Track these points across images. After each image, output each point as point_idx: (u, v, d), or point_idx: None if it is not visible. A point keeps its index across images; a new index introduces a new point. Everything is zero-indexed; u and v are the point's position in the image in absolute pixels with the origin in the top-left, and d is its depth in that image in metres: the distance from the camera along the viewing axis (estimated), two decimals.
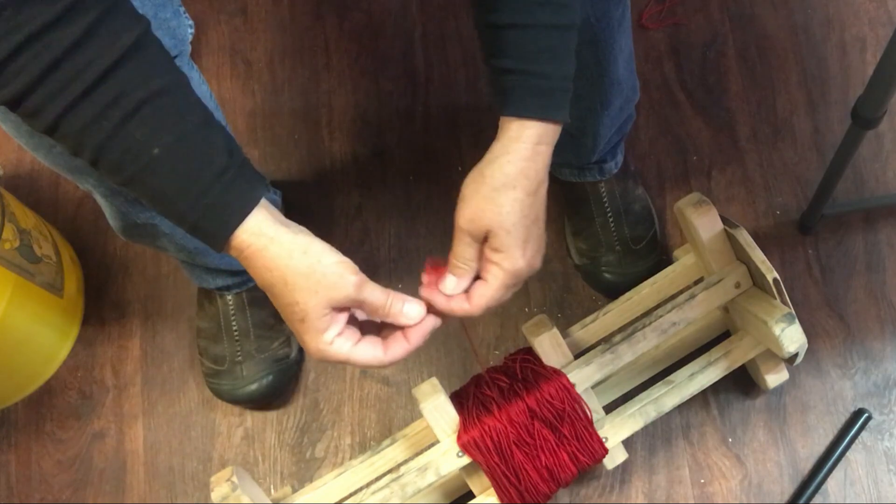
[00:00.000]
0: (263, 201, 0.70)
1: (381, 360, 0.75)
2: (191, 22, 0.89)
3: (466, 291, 0.79)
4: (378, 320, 0.76)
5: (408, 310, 0.75)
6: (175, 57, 0.86)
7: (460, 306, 0.78)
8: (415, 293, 0.82)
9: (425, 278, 0.80)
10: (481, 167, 0.77)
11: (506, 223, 0.75)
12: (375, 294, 0.73)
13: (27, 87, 0.62)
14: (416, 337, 0.76)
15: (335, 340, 0.72)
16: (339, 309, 0.72)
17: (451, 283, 0.78)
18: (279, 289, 0.71)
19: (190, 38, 0.89)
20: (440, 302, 0.78)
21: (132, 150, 0.65)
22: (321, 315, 0.71)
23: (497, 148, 0.76)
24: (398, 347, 0.76)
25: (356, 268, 0.72)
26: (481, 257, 0.78)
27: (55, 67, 0.62)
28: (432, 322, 0.77)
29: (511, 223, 0.75)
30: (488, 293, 0.77)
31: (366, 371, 1.26)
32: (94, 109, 0.64)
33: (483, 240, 0.77)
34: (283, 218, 0.72)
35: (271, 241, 0.70)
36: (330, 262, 0.71)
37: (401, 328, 0.76)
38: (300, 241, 0.71)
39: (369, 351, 0.74)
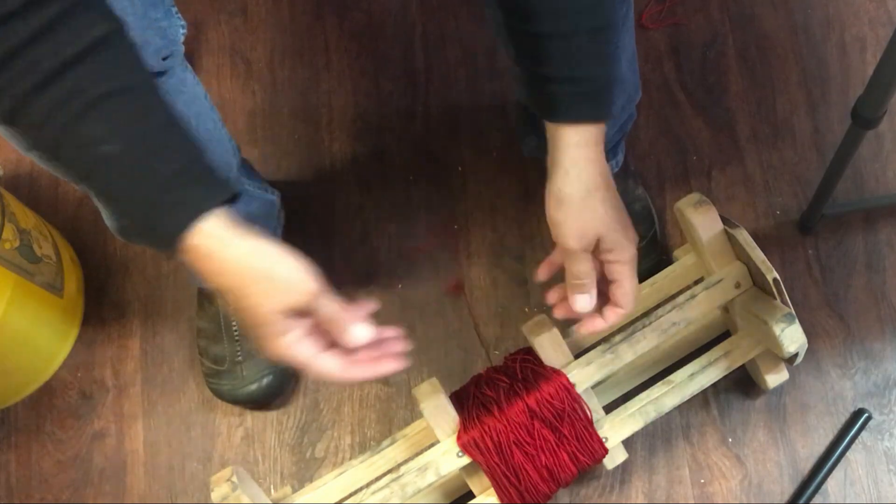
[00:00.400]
0: (223, 210, 0.69)
1: (340, 376, 0.73)
2: (183, 22, 0.89)
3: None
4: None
5: (353, 331, 0.73)
6: (166, 58, 0.85)
7: (617, 317, 0.85)
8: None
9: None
10: (560, 185, 0.80)
11: (611, 223, 0.80)
12: (331, 307, 0.72)
13: None
14: (385, 368, 0.75)
15: (295, 344, 0.71)
16: (298, 314, 0.70)
17: (585, 301, 0.83)
18: (232, 294, 0.69)
19: (182, 38, 0.89)
20: (599, 325, 0.85)
21: (88, 145, 0.65)
22: (276, 320, 0.69)
23: (563, 159, 0.79)
24: (362, 370, 0.74)
25: (315, 274, 0.71)
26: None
27: (13, 57, 0.61)
28: (401, 365, 0.76)
29: (614, 221, 0.81)
30: (628, 288, 0.83)
31: None
32: (50, 102, 0.63)
33: (592, 247, 0.81)
34: (242, 225, 0.70)
35: (224, 244, 0.68)
36: (285, 268, 0.70)
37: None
38: (254, 246, 0.69)
39: (330, 363, 0.72)
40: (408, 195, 1.34)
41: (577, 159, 0.79)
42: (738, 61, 1.37)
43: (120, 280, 1.34)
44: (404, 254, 1.29)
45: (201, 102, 0.97)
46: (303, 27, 1.44)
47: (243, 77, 1.42)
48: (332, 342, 0.73)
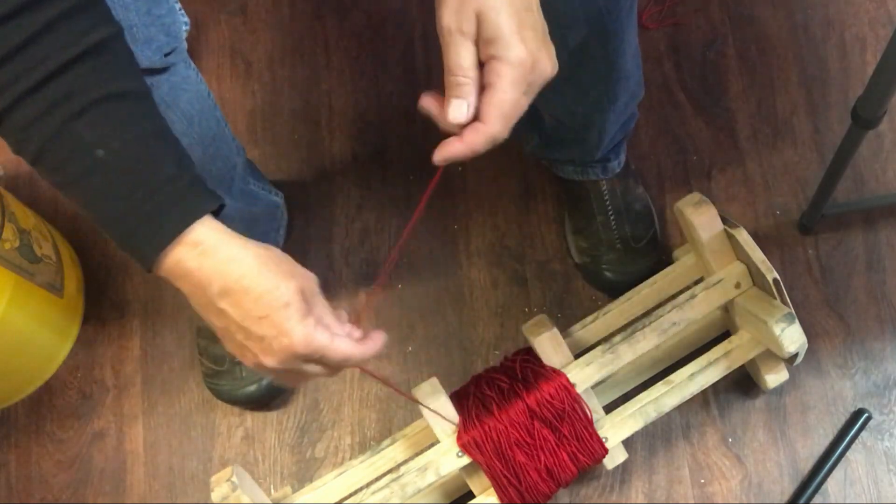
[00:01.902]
0: (210, 218, 0.66)
1: (356, 352, 0.70)
2: (186, 19, 0.89)
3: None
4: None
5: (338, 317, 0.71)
6: (168, 54, 0.85)
7: (476, 135, 0.66)
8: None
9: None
10: None
11: (491, 2, 0.63)
12: (319, 294, 0.70)
13: None
14: (376, 340, 0.73)
15: (318, 326, 0.67)
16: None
17: (459, 108, 0.66)
18: (251, 278, 0.65)
19: (185, 34, 0.89)
20: (456, 149, 0.68)
21: (76, 151, 0.63)
22: (298, 298, 0.66)
23: None
24: (366, 346, 0.72)
25: None
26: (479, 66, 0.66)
27: (6, 60, 0.61)
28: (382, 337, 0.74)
29: (498, 2, 0.64)
30: (498, 96, 0.65)
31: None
32: (40, 105, 0.62)
33: (476, 39, 0.65)
34: (233, 229, 0.68)
35: (230, 235, 0.66)
36: (282, 254, 0.68)
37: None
38: (248, 240, 0.67)
39: (345, 342, 0.69)
40: (408, 195, 1.34)
41: None
42: (738, 61, 1.37)
43: (120, 280, 1.34)
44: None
45: (204, 100, 0.97)
46: (303, 27, 1.44)
47: (243, 77, 1.42)
48: None
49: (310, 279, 0.69)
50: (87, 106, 0.63)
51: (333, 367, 0.71)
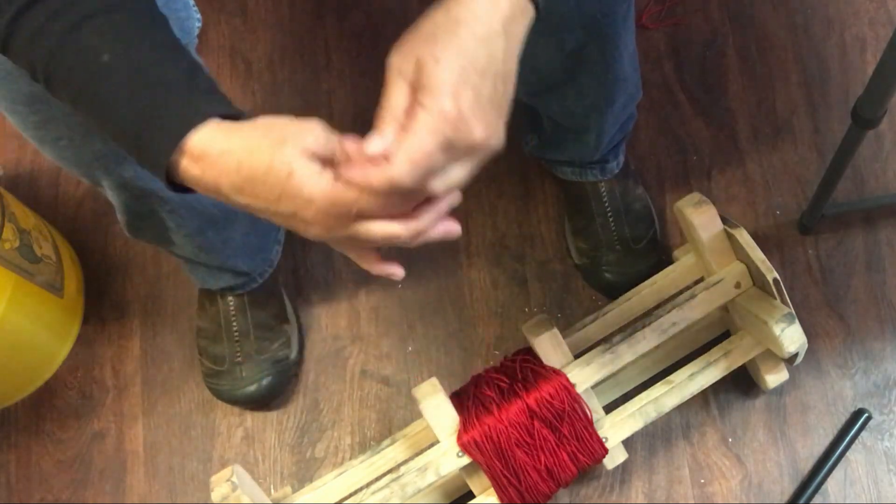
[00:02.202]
0: (218, 120, 0.64)
1: (394, 227, 0.66)
2: (199, 17, 0.90)
3: None
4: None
5: (376, 139, 0.63)
6: None
7: (377, 170, 0.62)
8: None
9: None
10: (430, 11, 0.66)
11: (437, 52, 0.63)
12: (339, 139, 0.65)
13: None
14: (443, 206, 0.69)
15: (335, 182, 0.62)
16: (321, 159, 0.63)
17: (374, 139, 0.63)
18: (247, 162, 0.62)
19: (197, 31, 0.90)
20: (353, 170, 0.63)
21: (81, 57, 0.63)
22: (306, 160, 0.62)
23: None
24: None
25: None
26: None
27: None
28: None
29: (443, 54, 0.62)
30: (409, 140, 0.62)
31: (366, 372, 1.26)
32: (42, 15, 0.63)
33: (412, 84, 0.65)
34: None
35: (222, 128, 0.64)
36: (286, 117, 0.64)
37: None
38: (249, 120, 0.65)
39: (375, 198, 0.63)
40: None
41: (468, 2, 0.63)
42: (738, 61, 1.37)
43: (120, 280, 1.34)
44: None
45: None
46: (303, 27, 1.44)
47: (243, 77, 1.42)
48: None
49: (308, 132, 0.63)
50: (89, 14, 0.63)
51: (382, 205, 0.64)
